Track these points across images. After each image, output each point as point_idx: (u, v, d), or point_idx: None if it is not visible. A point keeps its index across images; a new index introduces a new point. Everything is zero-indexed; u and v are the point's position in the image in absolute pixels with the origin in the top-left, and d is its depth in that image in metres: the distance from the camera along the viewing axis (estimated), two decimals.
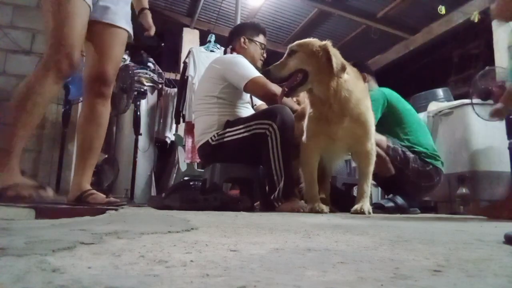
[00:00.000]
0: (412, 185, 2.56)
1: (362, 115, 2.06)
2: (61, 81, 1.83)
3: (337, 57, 1.99)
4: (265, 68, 2.67)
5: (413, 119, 2.79)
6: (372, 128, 2.15)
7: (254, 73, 2.48)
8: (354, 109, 2.02)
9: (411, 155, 2.61)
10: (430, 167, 2.64)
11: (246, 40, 2.76)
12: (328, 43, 2.05)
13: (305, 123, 2.21)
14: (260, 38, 2.83)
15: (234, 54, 2.73)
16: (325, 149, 2.18)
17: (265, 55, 2.85)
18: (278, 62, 2.12)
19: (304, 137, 2.19)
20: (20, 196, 1.55)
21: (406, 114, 2.77)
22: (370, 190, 2.21)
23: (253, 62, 2.69)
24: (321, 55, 2.00)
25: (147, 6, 2.26)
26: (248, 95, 2.65)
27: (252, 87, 2.45)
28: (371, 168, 2.16)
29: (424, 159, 2.64)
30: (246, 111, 2.61)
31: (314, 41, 2.08)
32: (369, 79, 2.96)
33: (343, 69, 1.98)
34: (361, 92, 2.07)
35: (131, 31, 2.14)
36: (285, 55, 2.12)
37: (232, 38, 2.83)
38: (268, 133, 2.25)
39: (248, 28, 2.86)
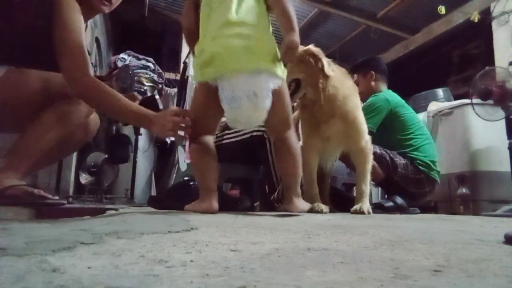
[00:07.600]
0: (401, 190, 2.55)
1: (350, 113, 2.04)
2: None
3: (323, 56, 2.01)
4: None
5: (416, 126, 2.76)
6: (363, 126, 2.12)
7: None
8: (341, 106, 2.01)
9: (401, 162, 2.58)
10: (422, 175, 2.62)
11: None
12: (310, 46, 2.04)
13: (299, 126, 2.21)
14: None
15: None
16: (321, 150, 2.17)
17: None
18: None
19: (301, 140, 2.18)
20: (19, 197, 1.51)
21: (409, 120, 2.73)
22: (370, 190, 2.20)
23: None
24: (308, 59, 2.01)
25: None
26: None
27: None
28: (368, 166, 2.12)
29: (417, 166, 2.62)
30: None
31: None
32: (377, 79, 2.89)
33: (330, 65, 2.01)
34: (348, 89, 2.06)
35: None
36: None
37: None
38: (266, 135, 2.24)
39: None
